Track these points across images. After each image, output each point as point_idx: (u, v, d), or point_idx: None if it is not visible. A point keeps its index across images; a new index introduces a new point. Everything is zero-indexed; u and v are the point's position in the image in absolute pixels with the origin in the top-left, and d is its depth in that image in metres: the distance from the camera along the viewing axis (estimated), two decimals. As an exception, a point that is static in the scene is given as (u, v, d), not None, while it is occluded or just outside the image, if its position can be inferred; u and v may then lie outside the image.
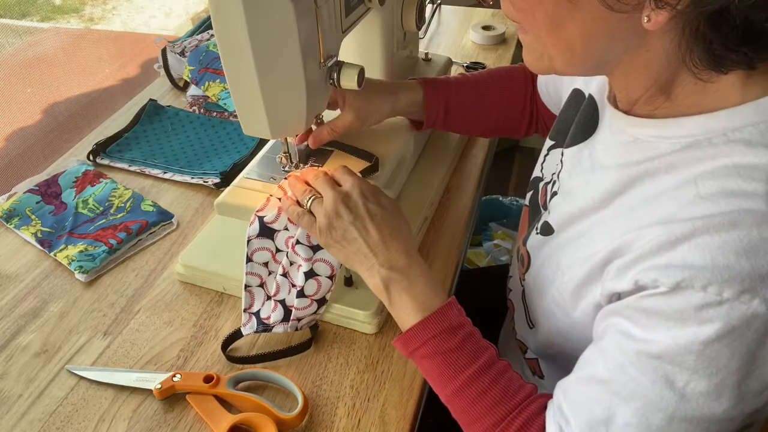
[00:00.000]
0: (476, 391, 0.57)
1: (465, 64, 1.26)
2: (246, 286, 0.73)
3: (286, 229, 0.70)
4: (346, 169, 0.69)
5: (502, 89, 0.88)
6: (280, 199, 0.71)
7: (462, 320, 0.61)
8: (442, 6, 1.50)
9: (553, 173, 0.69)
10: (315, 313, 0.72)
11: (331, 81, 0.70)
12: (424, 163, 0.96)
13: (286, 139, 0.75)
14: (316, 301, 0.71)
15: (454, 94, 0.85)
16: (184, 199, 0.95)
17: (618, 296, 0.51)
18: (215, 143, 1.06)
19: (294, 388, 0.66)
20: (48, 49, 1.33)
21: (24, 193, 0.94)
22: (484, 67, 1.24)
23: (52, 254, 0.85)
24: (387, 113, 0.81)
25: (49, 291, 0.81)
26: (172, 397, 0.68)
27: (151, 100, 1.14)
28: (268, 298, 0.73)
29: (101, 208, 0.92)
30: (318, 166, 0.79)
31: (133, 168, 1.00)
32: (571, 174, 0.65)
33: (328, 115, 0.80)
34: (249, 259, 0.71)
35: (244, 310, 0.73)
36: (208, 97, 1.14)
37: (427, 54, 1.07)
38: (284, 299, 0.72)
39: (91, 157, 1.02)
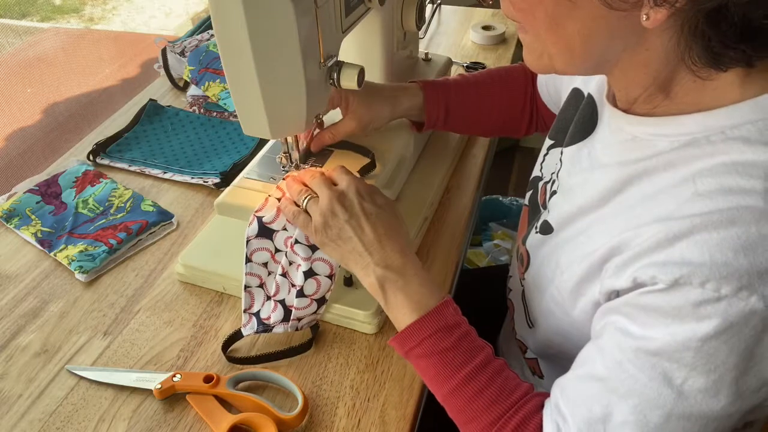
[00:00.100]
0: (472, 390, 0.57)
1: (465, 64, 1.26)
2: (246, 287, 0.73)
3: (285, 229, 0.70)
4: (342, 169, 0.69)
5: (502, 89, 0.88)
6: (278, 199, 0.71)
7: (458, 319, 0.61)
8: (442, 6, 1.50)
9: (553, 172, 0.69)
10: (315, 312, 0.72)
11: (331, 81, 0.70)
12: (424, 163, 0.96)
13: (286, 139, 0.75)
14: (315, 300, 0.71)
15: (453, 95, 0.85)
16: (184, 199, 0.95)
17: (616, 294, 0.51)
18: (215, 143, 1.06)
19: (294, 388, 0.66)
20: (48, 49, 1.33)
21: (24, 193, 0.94)
22: (484, 67, 1.24)
23: (52, 254, 0.85)
24: (388, 119, 0.82)
25: (49, 291, 0.81)
26: (172, 397, 0.68)
27: (151, 100, 1.14)
28: (268, 298, 0.73)
29: (101, 208, 0.92)
30: (318, 166, 0.79)
31: (133, 168, 1.01)
32: (570, 173, 0.65)
33: (329, 116, 0.80)
34: (248, 260, 0.71)
35: (244, 311, 0.73)
36: (208, 97, 1.14)
37: (427, 54, 1.07)
38: (284, 299, 0.72)
39: (91, 157, 1.02)
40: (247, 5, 0.58)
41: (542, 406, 0.56)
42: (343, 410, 0.66)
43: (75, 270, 0.82)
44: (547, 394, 0.57)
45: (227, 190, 0.77)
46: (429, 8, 1.43)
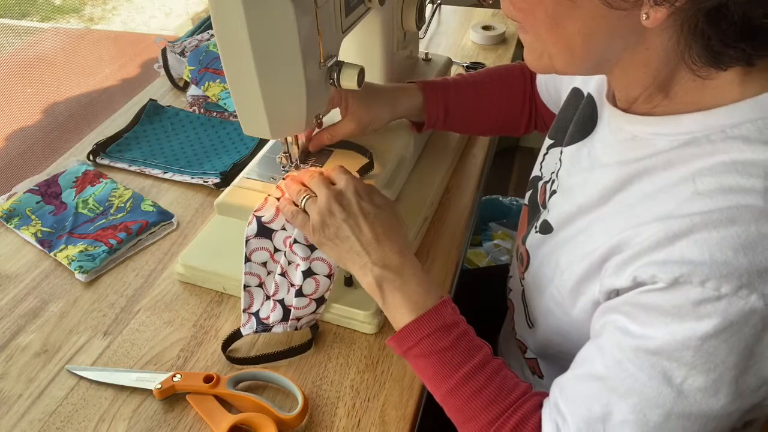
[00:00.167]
0: (471, 389, 0.57)
1: (465, 64, 1.26)
2: (245, 287, 0.73)
3: (284, 228, 0.70)
4: (341, 169, 0.69)
5: (501, 89, 0.89)
6: (278, 199, 0.71)
7: (456, 319, 0.61)
8: (442, 6, 1.50)
9: (552, 172, 0.69)
10: (314, 312, 0.72)
11: (331, 81, 0.70)
12: (424, 163, 0.96)
13: (286, 139, 0.75)
14: (314, 300, 0.71)
15: (453, 95, 0.85)
16: (184, 199, 0.95)
17: (616, 293, 0.51)
18: (215, 143, 1.06)
19: (294, 388, 0.66)
20: (48, 49, 1.33)
21: (24, 193, 0.94)
22: (483, 67, 1.24)
23: (52, 254, 0.85)
24: (387, 120, 0.83)
25: (49, 291, 0.81)
26: (172, 397, 0.68)
27: (151, 100, 1.14)
28: (267, 298, 0.73)
29: (101, 208, 0.92)
30: (318, 166, 0.79)
31: (133, 168, 1.00)
32: (570, 172, 0.65)
33: (329, 115, 0.80)
34: (247, 259, 0.71)
35: (244, 311, 0.73)
36: (208, 97, 1.14)
37: (427, 54, 1.07)
38: (283, 299, 0.72)
39: (91, 157, 1.02)
40: (247, 5, 0.58)
41: (541, 406, 0.56)
42: (343, 410, 0.66)
43: (75, 270, 0.82)
44: (545, 394, 0.57)
45: (227, 190, 0.77)
46: (429, 8, 1.43)
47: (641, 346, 0.48)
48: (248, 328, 0.72)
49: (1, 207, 0.91)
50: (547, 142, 0.74)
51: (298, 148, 0.77)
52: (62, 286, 0.82)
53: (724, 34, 0.44)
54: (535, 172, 0.75)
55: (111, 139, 1.05)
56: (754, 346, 0.45)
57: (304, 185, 0.69)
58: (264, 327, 0.72)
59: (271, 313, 0.72)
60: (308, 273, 0.70)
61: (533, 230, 0.68)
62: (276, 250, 0.72)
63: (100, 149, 1.03)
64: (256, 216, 0.70)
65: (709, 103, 0.50)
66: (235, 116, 1.03)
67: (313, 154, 0.82)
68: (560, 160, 0.68)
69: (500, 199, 1.84)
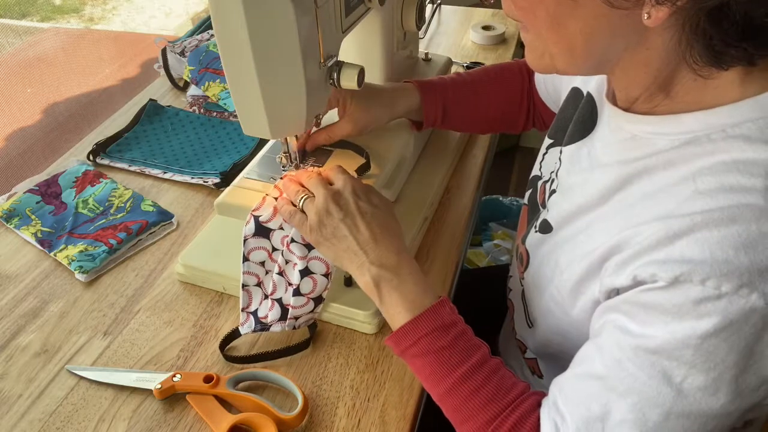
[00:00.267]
0: (469, 389, 0.57)
1: (465, 64, 1.26)
2: (243, 286, 0.73)
3: (282, 228, 0.70)
4: (339, 169, 0.69)
5: (499, 87, 0.89)
6: (276, 198, 0.71)
7: (454, 318, 0.61)
8: (442, 6, 1.50)
9: (552, 171, 0.69)
10: (312, 311, 0.72)
11: (331, 81, 0.70)
12: (424, 163, 0.96)
13: (286, 139, 0.75)
14: (312, 299, 0.71)
15: (451, 95, 0.86)
16: (184, 199, 0.95)
17: (616, 292, 0.51)
18: (215, 143, 1.06)
19: (294, 388, 0.66)
20: (48, 49, 1.33)
21: (24, 193, 0.94)
22: (483, 67, 1.24)
23: (52, 254, 0.85)
24: (385, 121, 0.83)
25: (49, 291, 0.81)
26: (172, 397, 0.68)
27: (151, 100, 1.14)
28: (266, 297, 0.73)
29: (101, 208, 0.92)
30: (318, 166, 0.79)
31: (133, 168, 1.00)
32: (569, 172, 0.65)
33: (327, 115, 0.80)
34: (246, 259, 0.72)
35: (242, 310, 0.73)
36: (208, 97, 1.14)
37: (427, 54, 1.07)
38: (281, 298, 0.72)
39: (91, 157, 1.02)
40: (247, 5, 0.58)
41: (539, 405, 0.56)
42: (343, 410, 0.66)
43: (75, 270, 0.82)
44: (543, 393, 0.57)
45: (227, 190, 0.77)
46: (429, 8, 1.43)
47: (641, 345, 0.48)
48: (246, 328, 0.72)
49: (1, 207, 0.91)
50: (547, 141, 0.74)
51: (299, 151, 0.77)
52: (62, 286, 0.82)
53: (726, 34, 0.44)
54: (535, 171, 0.75)
55: (111, 139, 1.05)
56: (754, 345, 0.45)
57: (302, 185, 0.69)
58: (262, 326, 0.72)
59: (269, 312, 0.72)
60: (306, 272, 0.70)
61: (533, 230, 0.68)
62: (274, 249, 0.72)
63: (100, 149, 1.03)
64: (254, 215, 0.70)
65: (710, 103, 0.49)
66: (235, 116, 1.03)
67: (312, 154, 0.82)
68: (560, 159, 0.68)
69: (500, 199, 1.84)
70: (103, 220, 0.90)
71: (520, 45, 1.38)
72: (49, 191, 0.95)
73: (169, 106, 1.14)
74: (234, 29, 0.60)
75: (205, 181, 0.97)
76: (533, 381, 0.76)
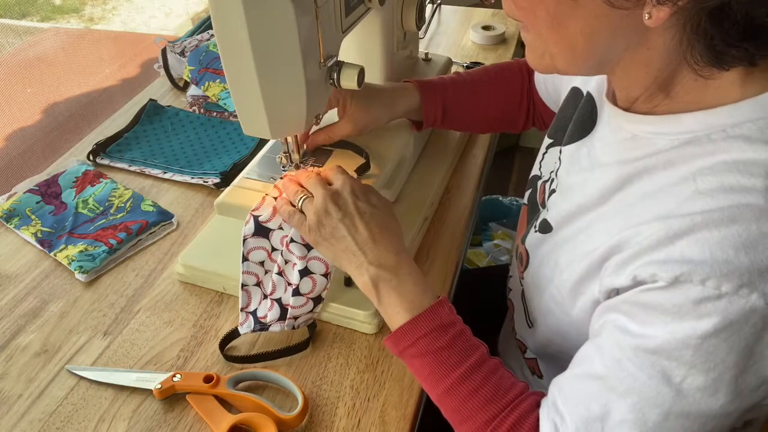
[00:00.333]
0: (467, 389, 0.56)
1: (465, 64, 1.26)
2: (242, 285, 0.73)
3: (281, 228, 0.70)
4: (338, 169, 0.69)
5: (499, 86, 0.89)
6: (275, 198, 0.71)
7: (453, 318, 0.61)
8: (442, 6, 1.50)
9: (552, 171, 0.69)
10: (311, 311, 0.72)
11: (331, 81, 0.70)
12: (424, 163, 0.96)
13: (286, 139, 0.75)
14: (311, 299, 0.71)
15: (451, 94, 0.86)
16: (184, 199, 0.95)
17: (616, 292, 0.51)
18: (215, 143, 1.06)
19: (294, 388, 0.66)
20: (48, 49, 1.33)
21: (24, 193, 0.94)
22: (483, 67, 1.24)
23: (52, 254, 0.85)
24: (385, 121, 0.83)
25: (49, 291, 0.81)
26: (172, 397, 0.68)
27: (151, 100, 1.14)
28: (265, 297, 0.73)
29: (101, 208, 0.92)
30: (318, 166, 0.79)
31: (133, 168, 1.00)
32: (569, 171, 0.65)
33: (327, 115, 0.80)
34: (245, 259, 0.72)
35: (241, 309, 0.73)
36: (208, 97, 1.14)
37: (427, 54, 1.07)
38: (280, 298, 0.72)
39: (91, 157, 1.02)
40: (247, 5, 0.58)
41: (538, 405, 0.56)
42: (343, 410, 0.66)
43: (75, 270, 0.82)
44: (542, 393, 0.57)
45: (227, 190, 0.77)
46: (429, 8, 1.43)
47: (641, 345, 0.48)
48: (246, 327, 0.72)
49: (1, 207, 0.91)
50: (547, 141, 0.74)
51: (299, 151, 0.77)
52: (62, 286, 0.82)
53: (727, 34, 0.44)
54: (535, 171, 0.75)
55: (111, 139, 1.05)
56: (754, 346, 0.45)
57: (301, 185, 0.69)
58: (261, 326, 0.72)
59: (268, 312, 0.72)
60: (305, 272, 0.70)
61: (533, 230, 0.68)
62: (273, 249, 0.72)
63: (100, 149, 1.03)
64: (253, 215, 0.70)
65: (711, 103, 0.49)
66: (235, 116, 1.03)
67: (312, 154, 0.82)
68: (559, 159, 0.68)
69: (500, 199, 1.84)
70: (103, 220, 0.90)
71: (520, 45, 1.38)
72: (49, 191, 0.95)
73: (169, 106, 1.14)
74: (234, 29, 0.60)
75: (205, 181, 0.97)
76: (533, 381, 0.76)
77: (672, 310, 0.46)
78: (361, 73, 0.70)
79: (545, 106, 0.87)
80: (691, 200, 0.47)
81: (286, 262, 0.71)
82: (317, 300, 0.72)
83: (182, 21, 1.93)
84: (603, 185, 0.56)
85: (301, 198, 0.67)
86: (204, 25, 1.33)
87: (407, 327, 0.60)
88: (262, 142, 1.01)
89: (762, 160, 0.46)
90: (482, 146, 1.06)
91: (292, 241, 0.69)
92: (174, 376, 0.67)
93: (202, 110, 1.13)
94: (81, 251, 0.84)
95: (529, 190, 0.75)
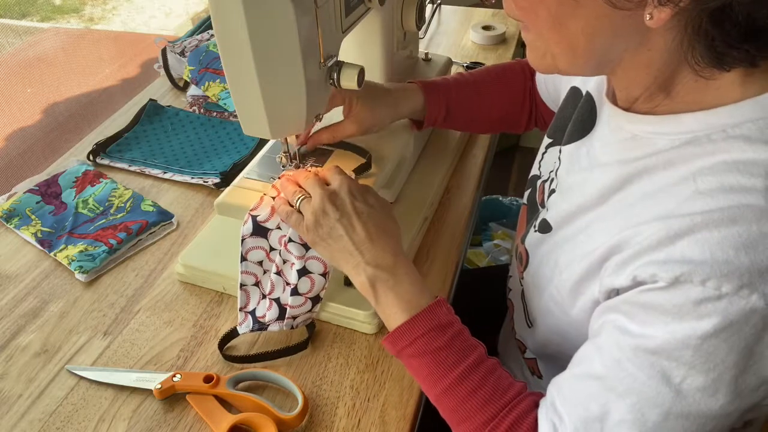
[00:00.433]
0: (465, 389, 0.56)
1: (465, 64, 1.26)
2: (241, 285, 0.73)
3: (279, 228, 0.70)
4: (336, 169, 0.69)
5: (502, 87, 0.89)
6: (274, 198, 0.71)
7: (451, 318, 0.61)
8: (442, 6, 1.50)
9: (551, 171, 0.69)
10: (310, 311, 0.72)
11: (331, 81, 0.70)
12: (424, 163, 0.96)
13: (286, 139, 0.75)
14: (310, 299, 0.71)
15: (454, 95, 0.86)
16: (184, 199, 0.95)
17: (616, 292, 0.51)
18: (215, 143, 1.06)
19: (294, 388, 0.66)
20: (48, 49, 1.33)
21: (24, 193, 0.94)
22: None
23: (52, 254, 0.85)
24: (389, 122, 0.83)
25: (49, 291, 0.81)
26: (172, 397, 0.68)
27: (151, 100, 1.14)
28: (264, 296, 0.73)
29: (101, 208, 0.92)
30: (318, 166, 0.79)
31: (133, 168, 1.00)
32: (569, 171, 0.65)
33: (328, 115, 0.80)
34: (243, 258, 0.72)
35: (240, 309, 0.73)
36: (208, 97, 1.14)
37: (427, 54, 1.07)
38: (279, 297, 0.72)
39: (91, 157, 1.02)
40: (247, 5, 0.58)
41: (536, 406, 0.56)
42: (343, 410, 0.66)
43: (75, 270, 0.82)
44: (540, 394, 0.57)
45: (227, 190, 0.77)
46: (429, 8, 1.43)
47: (640, 346, 0.48)
48: (244, 327, 0.72)
49: (1, 207, 0.91)
50: (546, 140, 0.74)
51: (299, 151, 0.77)
52: (62, 286, 0.82)
53: (728, 35, 0.44)
54: (534, 171, 0.75)
55: (111, 139, 1.05)
56: (754, 346, 0.44)
57: (300, 185, 0.69)
58: (260, 326, 0.72)
59: (267, 311, 0.72)
60: (303, 272, 0.70)
61: (532, 229, 0.68)
62: (272, 248, 0.72)
63: (100, 149, 1.03)
64: (251, 215, 0.70)
65: (711, 103, 0.49)
66: (235, 116, 1.03)
67: (312, 154, 0.82)
68: (559, 158, 0.68)
69: (500, 199, 1.84)
70: (103, 220, 0.90)
71: (521, 45, 1.38)
72: (49, 191, 0.95)
73: (169, 106, 1.14)
74: (234, 29, 0.60)
75: (205, 181, 0.97)
76: (533, 381, 0.76)
77: (672, 311, 0.46)
78: (361, 73, 0.70)
79: (546, 106, 0.87)
80: (691, 200, 0.47)
81: (285, 261, 0.71)
82: (316, 300, 0.72)
83: (182, 21, 1.93)
84: (603, 185, 0.56)
85: (299, 198, 0.67)
86: (204, 25, 1.33)
87: (405, 327, 0.60)
88: (262, 142, 1.01)
89: (762, 160, 0.46)
90: (482, 146, 1.06)
91: (290, 240, 0.69)
92: (174, 376, 0.67)
93: (202, 110, 1.13)
94: (81, 251, 0.84)
95: (529, 190, 0.75)
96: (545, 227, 0.65)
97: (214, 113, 1.12)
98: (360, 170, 0.78)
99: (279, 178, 0.72)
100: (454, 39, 1.40)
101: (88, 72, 1.39)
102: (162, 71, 1.23)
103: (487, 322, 0.89)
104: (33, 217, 0.91)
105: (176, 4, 1.96)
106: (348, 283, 0.76)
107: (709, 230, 0.45)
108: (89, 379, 0.69)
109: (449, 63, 1.10)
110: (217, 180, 0.96)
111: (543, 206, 0.69)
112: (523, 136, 2.38)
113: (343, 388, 0.68)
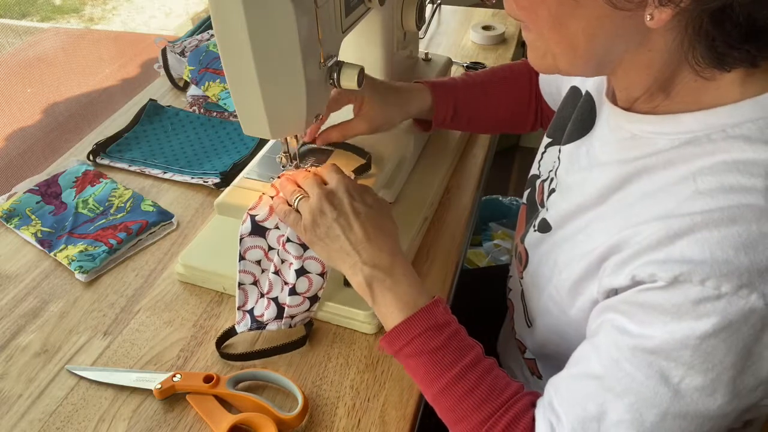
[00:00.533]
0: (462, 389, 0.56)
1: (465, 64, 1.26)
2: (239, 284, 0.73)
3: (277, 227, 0.70)
4: (334, 168, 0.69)
5: (508, 87, 0.89)
6: (272, 197, 0.71)
7: (448, 318, 0.61)
8: (442, 6, 1.50)
9: (551, 170, 0.69)
10: (308, 310, 0.72)
11: (331, 81, 0.70)
12: (424, 163, 0.96)
13: (286, 139, 0.75)
14: (308, 298, 0.71)
15: (461, 95, 0.86)
16: (184, 199, 0.95)
17: (615, 292, 0.51)
18: (215, 143, 1.06)
19: (294, 388, 0.66)
20: (48, 49, 1.33)
21: (24, 193, 0.94)
22: (484, 67, 1.24)
23: (52, 254, 0.85)
24: (398, 122, 0.83)
25: (49, 291, 0.81)
26: (172, 397, 0.68)
27: (151, 100, 1.14)
28: (262, 295, 0.73)
29: (101, 208, 0.92)
30: (318, 166, 0.79)
31: (133, 168, 1.00)
32: (568, 171, 0.65)
33: (339, 114, 0.79)
34: (242, 258, 0.72)
35: (238, 308, 0.73)
36: (208, 97, 1.14)
37: (427, 54, 1.07)
38: (277, 297, 0.72)
39: (91, 157, 1.02)
40: (247, 5, 0.58)
41: (533, 405, 0.56)
42: (343, 410, 0.66)
43: (75, 270, 0.82)
44: (537, 393, 0.57)
45: (227, 190, 0.77)
46: (429, 8, 1.43)
47: (639, 345, 0.48)
48: (242, 326, 0.72)
49: (1, 207, 0.91)
50: (545, 140, 0.74)
51: (298, 152, 0.77)
52: (62, 286, 0.82)
53: (729, 36, 0.44)
54: (534, 170, 0.75)
55: (111, 139, 1.05)
56: (752, 346, 0.44)
57: (298, 185, 0.69)
58: (258, 325, 0.72)
59: (265, 310, 0.72)
60: (301, 272, 0.70)
61: (532, 229, 0.68)
62: (270, 248, 0.72)
63: (100, 149, 1.03)
64: (250, 214, 0.70)
65: (711, 103, 0.49)
66: (235, 116, 1.03)
67: (312, 154, 0.82)
68: (558, 158, 0.68)
69: (500, 199, 1.84)
70: (103, 220, 0.90)
71: (521, 45, 1.38)
72: (49, 191, 0.95)
73: (169, 106, 1.14)
74: (234, 29, 0.60)
75: (205, 181, 0.97)
76: (532, 381, 0.76)
77: (671, 310, 0.46)
78: (361, 73, 0.70)
79: (549, 107, 0.87)
80: (691, 200, 0.47)
81: (283, 261, 0.71)
82: (314, 299, 0.72)
83: (182, 21, 1.93)
84: (602, 185, 0.56)
85: (297, 197, 0.67)
86: (204, 25, 1.33)
87: (402, 327, 0.60)
88: (262, 142, 1.01)
89: (762, 160, 0.46)
90: (482, 146, 1.06)
91: (288, 240, 0.69)
92: (174, 376, 0.67)
93: (202, 110, 1.13)
94: (81, 251, 0.84)
95: (528, 190, 0.75)
96: (545, 227, 0.65)
97: (214, 113, 1.12)
98: (360, 171, 0.78)
99: (279, 177, 0.72)
100: (454, 39, 1.40)
101: (88, 72, 1.39)
102: (162, 71, 1.23)
103: (487, 322, 0.89)
104: (33, 217, 0.91)
105: (176, 4, 1.96)
106: (347, 283, 0.76)
107: (708, 230, 0.45)
108: (89, 379, 0.70)
109: (449, 63, 1.10)
110: (217, 180, 0.96)
111: (542, 206, 0.69)
112: (523, 136, 2.38)
113: (343, 388, 0.68)
